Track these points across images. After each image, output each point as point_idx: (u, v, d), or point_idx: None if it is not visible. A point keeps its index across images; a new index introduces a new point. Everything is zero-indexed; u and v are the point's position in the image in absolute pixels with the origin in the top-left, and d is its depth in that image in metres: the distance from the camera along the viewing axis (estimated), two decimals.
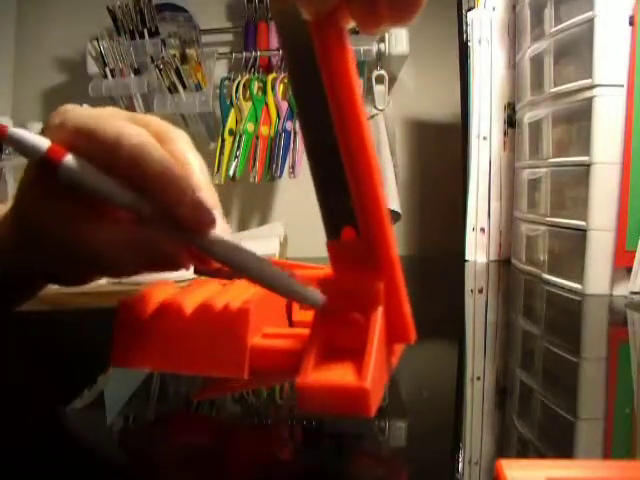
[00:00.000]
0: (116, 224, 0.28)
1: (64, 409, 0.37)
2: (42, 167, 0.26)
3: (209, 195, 0.30)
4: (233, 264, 0.27)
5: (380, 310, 0.26)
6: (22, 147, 0.26)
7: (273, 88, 1.33)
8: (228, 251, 0.27)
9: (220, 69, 1.40)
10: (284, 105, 1.33)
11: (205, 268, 0.30)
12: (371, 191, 0.25)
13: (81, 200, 0.27)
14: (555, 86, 0.79)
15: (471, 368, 0.48)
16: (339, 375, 0.24)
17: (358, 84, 0.24)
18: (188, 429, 0.36)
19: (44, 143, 0.26)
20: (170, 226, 0.26)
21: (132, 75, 1.34)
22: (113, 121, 0.27)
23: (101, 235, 0.27)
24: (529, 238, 0.91)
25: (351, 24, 0.23)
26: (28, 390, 0.41)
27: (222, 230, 0.28)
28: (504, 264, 1.01)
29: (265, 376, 0.35)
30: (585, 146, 0.72)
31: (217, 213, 0.28)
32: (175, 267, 0.28)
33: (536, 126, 0.87)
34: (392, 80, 1.38)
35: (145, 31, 1.34)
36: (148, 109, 1.35)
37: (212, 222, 0.26)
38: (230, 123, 1.33)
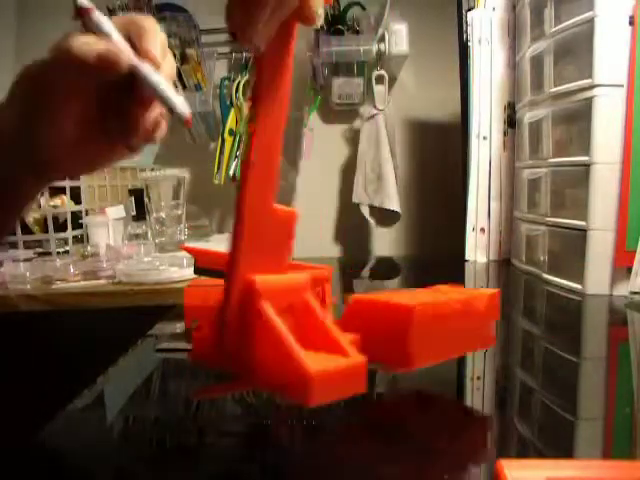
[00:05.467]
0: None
1: (64, 409, 0.37)
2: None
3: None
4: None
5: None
6: None
7: None
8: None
9: (220, 69, 1.40)
10: None
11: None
12: None
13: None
14: (555, 86, 0.79)
15: (471, 368, 0.48)
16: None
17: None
18: (188, 429, 0.36)
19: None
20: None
21: None
22: None
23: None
24: (529, 238, 0.91)
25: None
26: (28, 390, 0.41)
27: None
28: (504, 264, 1.01)
29: None
30: (585, 146, 0.72)
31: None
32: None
33: (536, 126, 0.87)
34: (392, 80, 1.38)
35: None
36: None
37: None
38: (230, 123, 1.33)
